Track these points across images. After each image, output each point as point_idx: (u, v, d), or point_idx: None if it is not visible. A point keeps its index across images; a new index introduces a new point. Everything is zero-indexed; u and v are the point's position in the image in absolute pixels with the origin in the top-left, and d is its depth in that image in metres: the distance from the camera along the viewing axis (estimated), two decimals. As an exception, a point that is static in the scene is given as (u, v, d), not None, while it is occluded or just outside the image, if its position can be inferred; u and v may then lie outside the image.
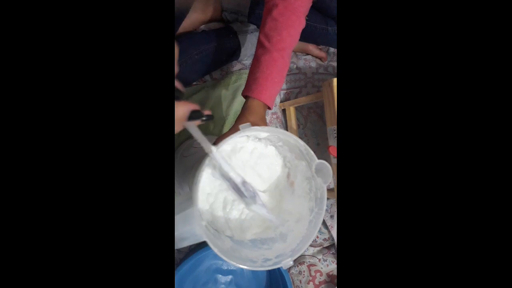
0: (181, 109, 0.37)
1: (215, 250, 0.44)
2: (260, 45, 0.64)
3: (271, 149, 0.57)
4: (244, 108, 0.61)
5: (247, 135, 0.54)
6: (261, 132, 0.51)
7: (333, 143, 0.81)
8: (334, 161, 0.81)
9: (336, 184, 0.79)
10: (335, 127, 0.78)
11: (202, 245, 0.83)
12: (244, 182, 0.50)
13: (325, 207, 0.50)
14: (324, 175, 0.51)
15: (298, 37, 0.64)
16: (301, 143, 0.50)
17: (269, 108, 0.63)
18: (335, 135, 0.79)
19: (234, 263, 0.45)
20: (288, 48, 0.63)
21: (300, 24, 0.64)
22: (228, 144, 0.54)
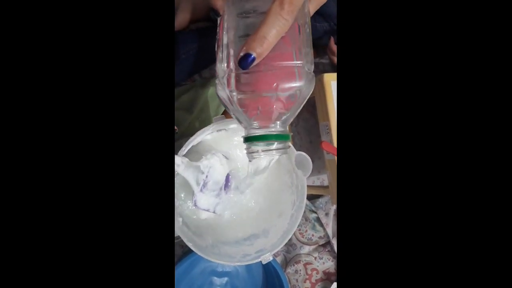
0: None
1: (190, 245, 0.42)
2: None
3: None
4: None
5: (225, 129, 0.52)
6: (234, 124, 0.50)
7: (325, 138, 0.80)
8: (328, 157, 0.79)
9: (330, 181, 0.78)
10: (327, 122, 0.77)
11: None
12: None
13: (305, 200, 0.49)
14: (304, 167, 0.49)
15: None
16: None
17: None
18: (327, 130, 0.78)
19: (211, 259, 0.44)
20: None
21: None
22: (200, 143, 0.53)
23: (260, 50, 0.31)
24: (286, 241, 0.48)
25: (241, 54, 0.32)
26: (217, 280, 0.90)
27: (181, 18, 0.91)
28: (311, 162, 0.49)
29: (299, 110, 0.38)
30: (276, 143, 0.36)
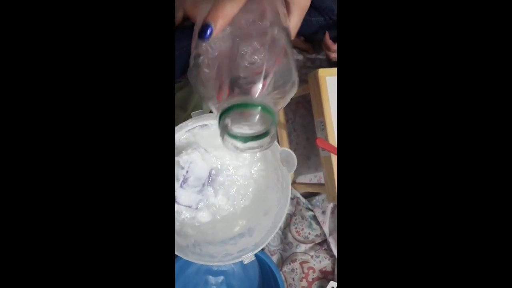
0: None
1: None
2: None
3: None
4: None
5: (206, 125, 0.51)
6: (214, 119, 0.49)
7: (320, 135, 0.79)
8: (323, 154, 0.78)
9: (326, 179, 0.76)
10: (322, 119, 0.76)
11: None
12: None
13: (289, 198, 0.48)
14: (288, 163, 0.48)
15: None
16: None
17: None
18: (322, 127, 0.77)
19: (190, 260, 0.43)
20: None
21: None
22: (185, 138, 0.52)
23: (218, 21, 0.32)
24: (268, 240, 0.47)
25: (200, 26, 0.32)
26: (212, 279, 0.89)
27: (177, 16, 0.91)
28: (295, 159, 0.48)
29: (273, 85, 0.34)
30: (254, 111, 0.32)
